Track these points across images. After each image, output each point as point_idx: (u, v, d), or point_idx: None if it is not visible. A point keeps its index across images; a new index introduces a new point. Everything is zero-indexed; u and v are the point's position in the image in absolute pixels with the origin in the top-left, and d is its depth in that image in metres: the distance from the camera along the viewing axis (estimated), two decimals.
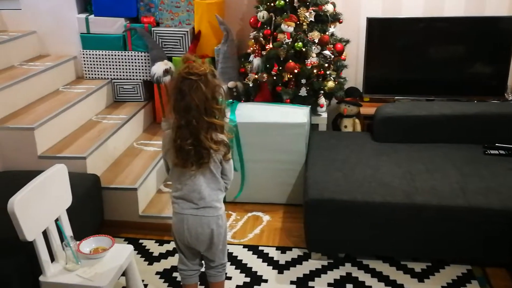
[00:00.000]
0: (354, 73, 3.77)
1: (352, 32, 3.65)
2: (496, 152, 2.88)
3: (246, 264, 2.65)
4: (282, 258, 2.69)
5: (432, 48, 3.51)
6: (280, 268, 2.61)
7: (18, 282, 2.02)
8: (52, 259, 2.09)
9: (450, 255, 2.58)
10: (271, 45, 3.27)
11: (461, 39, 3.48)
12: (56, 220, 2.10)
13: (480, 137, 3.00)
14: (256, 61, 3.33)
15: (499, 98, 3.47)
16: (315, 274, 2.56)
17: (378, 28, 3.50)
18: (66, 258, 2.08)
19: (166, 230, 2.91)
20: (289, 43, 3.19)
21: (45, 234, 2.04)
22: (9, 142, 2.85)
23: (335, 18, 3.37)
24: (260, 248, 2.79)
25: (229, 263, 2.64)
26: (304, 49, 3.18)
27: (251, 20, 3.43)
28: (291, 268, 2.61)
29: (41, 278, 2.03)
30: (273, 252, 2.74)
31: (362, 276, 2.53)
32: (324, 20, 3.30)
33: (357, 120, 3.61)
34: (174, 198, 2.01)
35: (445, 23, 3.48)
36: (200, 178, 1.96)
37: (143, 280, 2.40)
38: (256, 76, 3.33)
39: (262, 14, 3.30)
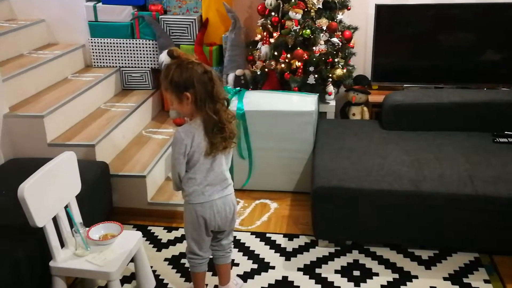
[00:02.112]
0: (362, 60, 3.74)
1: (360, 19, 3.61)
2: (505, 140, 2.86)
3: (254, 251, 2.67)
4: (290, 245, 2.70)
5: (441, 35, 3.48)
6: (288, 255, 2.63)
7: (29, 267, 2.05)
8: (62, 245, 2.12)
9: (457, 243, 2.58)
10: (279, 33, 3.26)
11: (471, 26, 3.44)
12: (66, 207, 2.13)
13: (489, 125, 2.98)
14: (264, 49, 3.32)
15: (509, 86, 3.43)
16: (322, 261, 2.57)
17: (387, 15, 3.47)
18: (75, 244, 2.12)
19: (175, 217, 2.94)
20: (297, 30, 3.18)
21: (55, 220, 2.07)
22: (19, 130, 2.88)
23: (343, 5, 3.34)
24: (267, 235, 2.80)
25: (237, 249, 2.66)
26: (312, 37, 3.17)
27: (259, 8, 3.41)
28: (298, 255, 2.62)
29: (51, 264, 2.06)
30: (280, 239, 2.76)
31: (369, 263, 2.54)
32: (332, 7, 3.28)
33: (365, 108, 3.60)
34: (198, 190, 2.00)
35: (456, 9, 3.44)
36: (222, 158, 2.02)
37: (151, 266, 2.43)
38: (264, 64, 3.33)
39: (270, 1, 3.28)
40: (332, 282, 2.41)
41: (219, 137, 1.94)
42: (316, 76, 3.25)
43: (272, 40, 3.29)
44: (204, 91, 1.89)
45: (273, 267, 2.54)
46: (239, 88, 3.30)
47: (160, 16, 3.58)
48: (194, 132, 1.94)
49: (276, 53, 3.27)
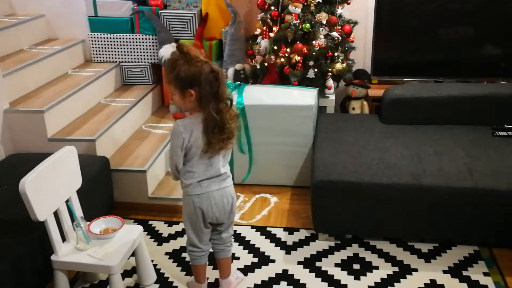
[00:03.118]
0: (362, 55, 3.74)
1: (360, 13, 3.61)
2: (505, 133, 2.86)
3: (254, 244, 2.68)
4: (290, 239, 2.71)
5: (441, 29, 3.47)
6: (288, 248, 2.64)
7: (30, 262, 2.06)
8: (64, 239, 2.13)
9: (457, 236, 2.58)
10: (278, 27, 3.26)
11: (471, 20, 3.44)
12: (67, 201, 2.14)
13: (489, 118, 2.98)
14: (263, 43, 3.32)
15: (508, 80, 3.43)
16: (322, 254, 2.58)
17: (387, 9, 3.46)
18: (77, 238, 2.13)
19: (175, 212, 2.95)
20: (297, 24, 3.18)
21: (56, 215, 2.07)
22: (19, 125, 2.88)
23: None
24: (268, 229, 2.81)
25: (237, 243, 2.67)
26: (311, 31, 3.17)
27: (259, 2, 3.41)
28: (298, 249, 2.63)
29: (52, 257, 2.07)
30: (280, 233, 2.77)
31: (369, 256, 2.55)
32: (332, 1, 3.27)
33: (365, 102, 3.60)
34: (195, 183, 2.02)
35: (455, 3, 3.43)
36: (220, 156, 2.03)
37: (152, 261, 2.44)
38: (264, 58, 3.33)
39: None
40: (332, 276, 2.42)
41: (218, 137, 1.94)
42: (315, 70, 3.25)
43: (271, 34, 3.29)
44: (209, 90, 1.89)
45: (273, 261, 2.55)
46: (238, 82, 3.30)
47: (160, 11, 3.57)
48: (193, 127, 1.94)
49: (275, 48, 3.27)
